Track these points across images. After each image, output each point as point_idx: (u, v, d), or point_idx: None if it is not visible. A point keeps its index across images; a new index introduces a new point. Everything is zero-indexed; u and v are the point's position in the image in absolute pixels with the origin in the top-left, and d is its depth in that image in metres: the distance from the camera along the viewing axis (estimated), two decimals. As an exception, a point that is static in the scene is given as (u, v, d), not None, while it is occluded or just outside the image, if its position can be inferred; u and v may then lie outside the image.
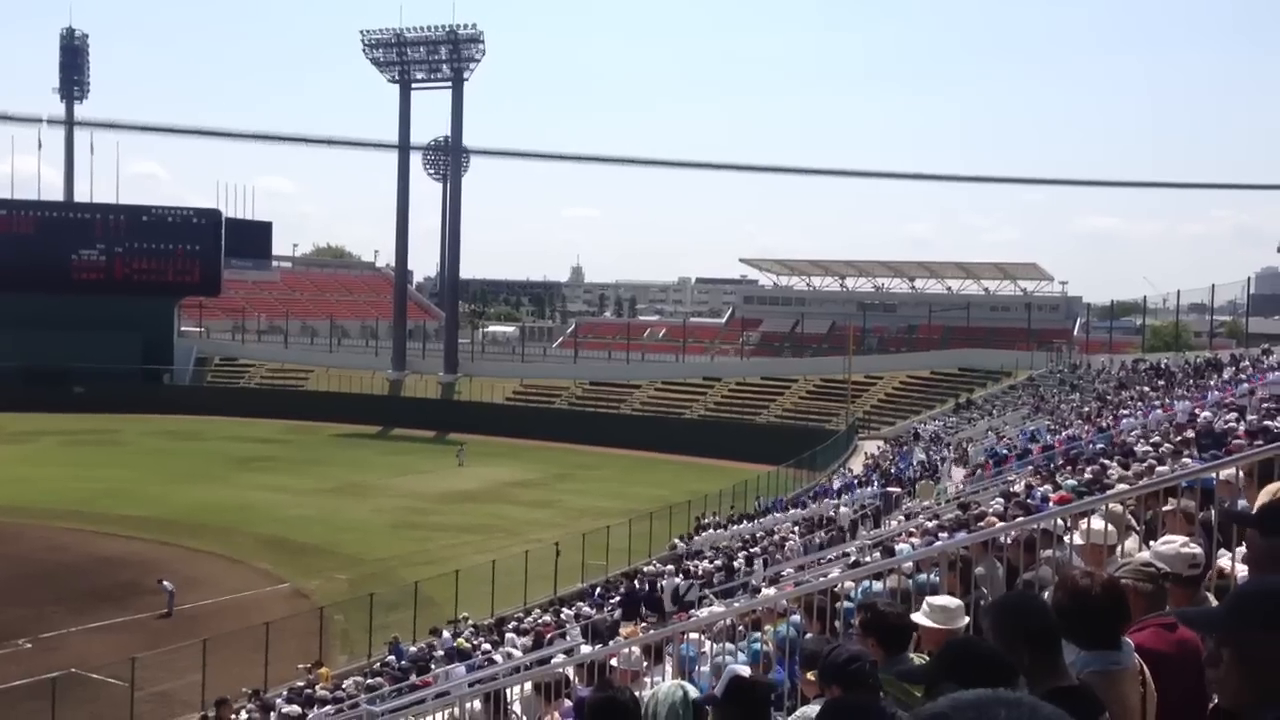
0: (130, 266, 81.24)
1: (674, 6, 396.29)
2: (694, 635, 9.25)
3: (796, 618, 8.07)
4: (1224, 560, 5.39)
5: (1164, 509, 6.55)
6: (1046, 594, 4.78)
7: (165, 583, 30.35)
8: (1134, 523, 6.78)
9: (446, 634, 23.64)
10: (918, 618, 5.04)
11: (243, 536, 39.25)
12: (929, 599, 5.26)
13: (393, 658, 23.21)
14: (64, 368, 73.59)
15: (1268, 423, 15.04)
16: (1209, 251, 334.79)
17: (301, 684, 21.84)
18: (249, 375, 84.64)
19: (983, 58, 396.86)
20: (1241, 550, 5.44)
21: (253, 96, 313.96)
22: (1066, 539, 7.23)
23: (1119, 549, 6.01)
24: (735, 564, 26.27)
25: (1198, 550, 4.82)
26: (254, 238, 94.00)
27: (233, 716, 18.78)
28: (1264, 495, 4.56)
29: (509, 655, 19.90)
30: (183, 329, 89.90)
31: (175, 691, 23.17)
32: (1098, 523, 6.24)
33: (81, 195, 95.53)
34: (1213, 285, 61.10)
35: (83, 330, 75.69)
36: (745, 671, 4.43)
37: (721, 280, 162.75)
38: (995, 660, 3.29)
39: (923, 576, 7.73)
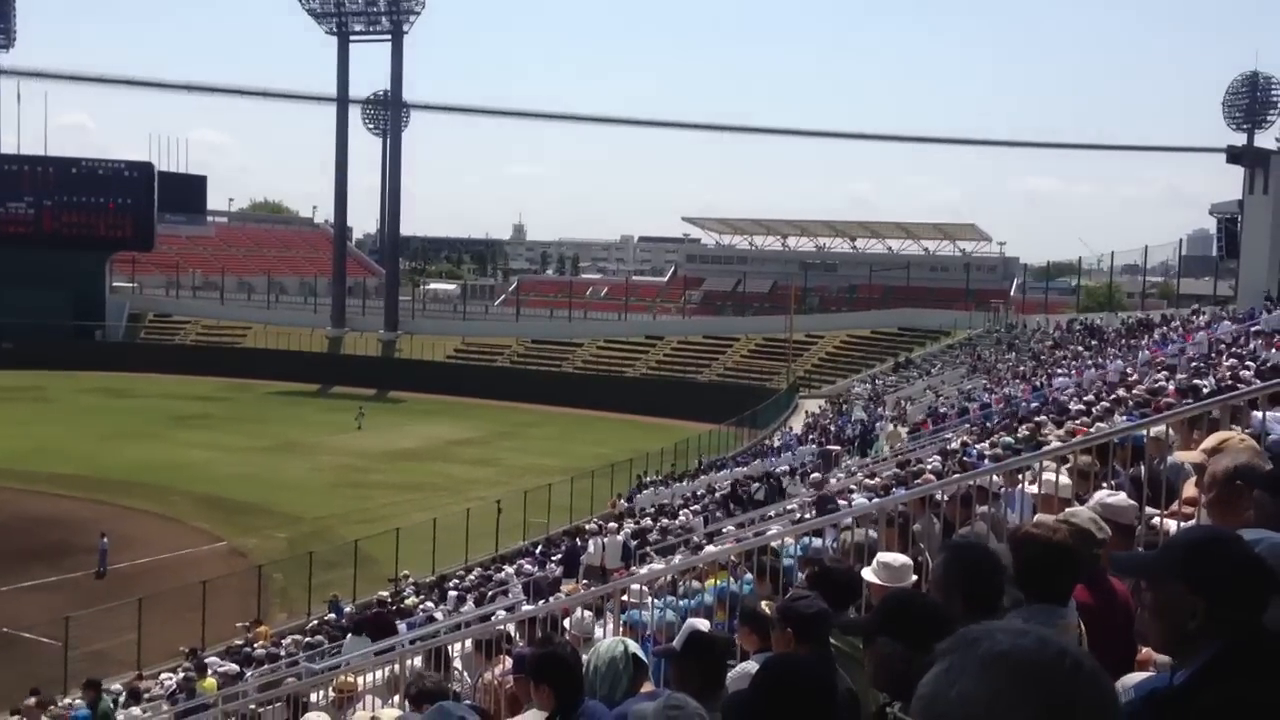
0: (60, 220, 79.07)
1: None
2: (635, 588, 9.30)
3: (749, 576, 8.13)
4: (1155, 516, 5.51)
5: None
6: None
7: (105, 538, 29.94)
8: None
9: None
10: (866, 574, 5.09)
11: (178, 495, 38.73)
12: (879, 556, 5.31)
13: (332, 615, 23.10)
14: (-10, 323, 71.66)
15: (1196, 381, 15.37)
16: (1142, 213, 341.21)
17: (240, 642, 21.68)
18: (184, 332, 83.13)
19: (922, 16, 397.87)
20: (1181, 509, 5.56)
21: (185, 46, 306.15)
22: (1002, 495, 7.36)
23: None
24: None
25: (1134, 503, 4.96)
26: (188, 191, 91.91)
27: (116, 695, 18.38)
28: (1209, 442, 4.66)
29: (457, 609, 19.90)
30: (115, 284, 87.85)
31: (110, 651, 22.90)
32: (1062, 478, 6.32)
33: (8, 146, 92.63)
34: (1145, 247, 62.08)
35: (10, 285, 73.54)
36: (704, 626, 4.44)
37: (664, 239, 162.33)
38: (931, 614, 3.32)
39: (862, 532, 7.81)
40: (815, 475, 24.89)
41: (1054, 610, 3.70)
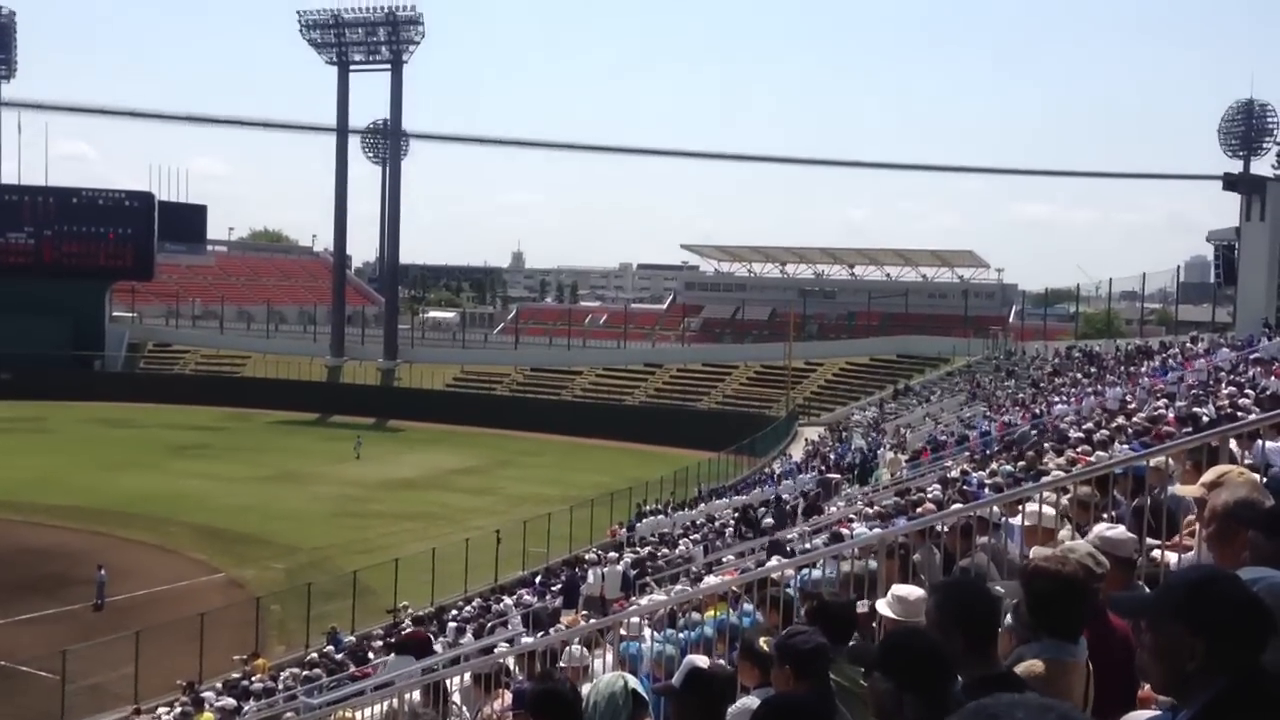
0: (60, 250, 79.26)
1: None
2: (634, 620, 9.25)
3: (748, 607, 8.09)
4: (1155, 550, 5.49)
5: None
6: (997, 583, 4.81)
7: (103, 571, 29.80)
8: (1068, 510, 6.86)
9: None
10: (880, 606, 5.04)
11: (176, 526, 38.58)
12: (893, 589, 5.26)
13: (331, 648, 22.97)
14: (-10, 353, 71.58)
15: (1196, 409, 15.34)
16: (1141, 240, 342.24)
17: (237, 675, 21.55)
18: (183, 362, 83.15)
19: (920, 44, 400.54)
20: (1188, 540, 5.53)
21: (185, 76, 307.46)
22: (1002, 525, 7.32)
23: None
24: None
25: (1133, 536, 4.93)
26: (188, 221, 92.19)
27: None
28: (1209, 476, 4.65)
29: (456, 640, 19.79)
30: (114, 314, 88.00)
31: (108, 684, 22.76)
32: (1046, 509, 6.29)
33: (9, 177, 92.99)
34: (1144, 274, 62.32)
35: (10, 315, 73.60)
36: (704, 663, 4.41)
37: (663, 266, 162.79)
38: (932, 653, 3.30)
39: (861, 563, 7.78)
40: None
41: (1065, 646, 3.66)
